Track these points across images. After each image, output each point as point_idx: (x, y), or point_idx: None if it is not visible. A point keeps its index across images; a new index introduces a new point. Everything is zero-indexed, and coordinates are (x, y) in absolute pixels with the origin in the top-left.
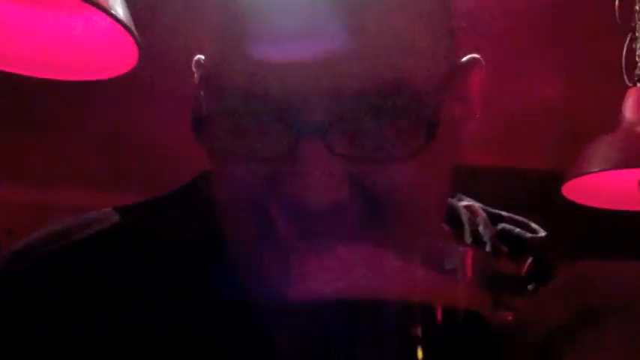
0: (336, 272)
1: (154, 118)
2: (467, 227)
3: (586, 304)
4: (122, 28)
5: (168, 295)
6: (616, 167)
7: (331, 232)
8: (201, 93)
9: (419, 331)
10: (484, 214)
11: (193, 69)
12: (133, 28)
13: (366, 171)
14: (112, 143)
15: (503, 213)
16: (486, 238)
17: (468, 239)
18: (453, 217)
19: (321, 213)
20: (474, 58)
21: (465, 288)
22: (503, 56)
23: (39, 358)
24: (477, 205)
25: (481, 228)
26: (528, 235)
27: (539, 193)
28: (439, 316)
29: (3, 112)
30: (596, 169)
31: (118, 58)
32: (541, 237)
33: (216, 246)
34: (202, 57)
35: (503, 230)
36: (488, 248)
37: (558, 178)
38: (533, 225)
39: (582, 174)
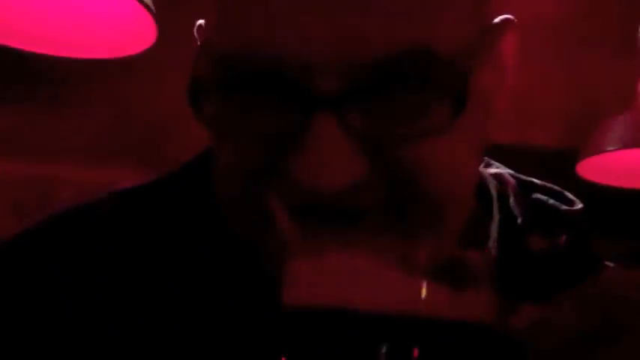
0: (333, 280)
1: (159, 93)
2: (495, 203)
3: (608, 314)
4: (141, 5)
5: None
6: (632, 146)
7: (344, 222)
8: (200, 61)
9: (417, 351)
10: (514, 183)
11: (195, 35)
12: (152, 6)
13: (386, 149)
14: (117, 119)
15: (536, 181)
16: (517, 212)
17: (497, 216)
18: (480, 188)
19: (334, 197)
20: (506, 19)
21: (475, 300)
22: None
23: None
24: (506, 172)
25: (512, 200)
26: (564, 207)
27: (552, 171)
28: (444, 333)
29: (10, 88)
30: (611, 148)
31: (135, 35)
32: (578, 209)
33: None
34: (204, 22)
35: (535, 202)
36: (519, 222)
37: (572, 156)
38: (569, 195)
39: (597, 152)
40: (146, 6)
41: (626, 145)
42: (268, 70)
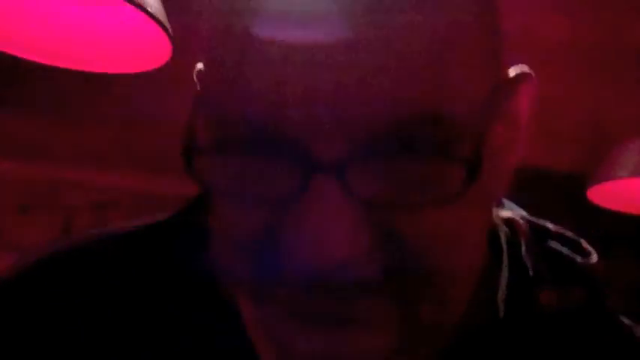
0: None
1: (166, 101)
2: (505, 253)
3: None
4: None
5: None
6: None
7: (340, 300)
8: (195, 116)
9: None
10: (527, 230)
11: (195, 79)
12: (167, 25)
13: (392, 218)
14: (125, 124)
15: (551, 226)
16: (529, 262)
17: (506, 268)
18: (491, 235)
19: (331, 271)
20: (523, 73)
21: None
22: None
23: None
24: (519, 216)
25: (523, 249)
26: (579, 259)
27: (567, 195)
28: None
29: (17, 90)
30: (623, 175)
31: (151, 51)
32: (595, 262)
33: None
34: (202, 65)
35: (549, 251)
36: (531, 274)
37: (582, 180)
38: (585, 245)
39: (609, 179)
40: (162, 26)
41: (638, 172)
42: (267, 132)
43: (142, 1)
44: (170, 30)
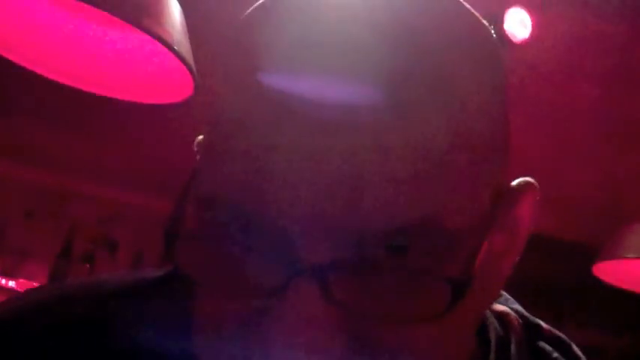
0: None
1: (174, 132)
2: (493, 350)
3: None
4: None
5: None
6: None
7: None
8: (187, 192)
9: None
10: (519, 327)
11: (195, 149)
12: (192, 64)
13: (370, 327)
14: (136, 144)
15: (543, 325)
16: None
17: None
18: (481, 330)
19: None
20: (526, 183)
21: None
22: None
23: None
24: (513, 312)
25: (513, 348)
26: None
27: (577, 265)
28: None
29: (27, 100)
30: (630, 256)
31: (174, 85)
32: None
33: None
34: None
35: (539, 352)
36: None
37: (588, 254)
38: (576, 349)
39: (615, 257)
40: (188, 65)
41: None
42: (253, 225)
43: (170, 39)
44: (194, 69)
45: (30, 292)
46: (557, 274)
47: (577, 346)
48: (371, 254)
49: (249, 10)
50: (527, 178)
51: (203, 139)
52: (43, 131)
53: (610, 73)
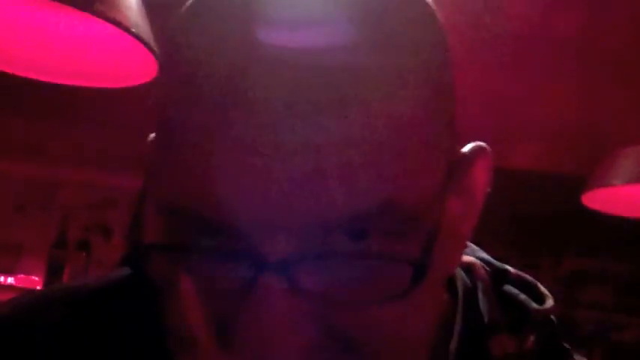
0: None
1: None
2: (460, 302)
3: None
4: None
5: None
6: (638, 181)
7: None
8: (144, 207)
9: None
10: (486, 276)
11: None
12: (153, 43)
13: (338, 313)
14: (122, 125)
15: (511, 269)
16: (484, 309)
17: (460, 319)
18: (450, 283)
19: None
20: (478, 148)
21: None
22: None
23: None
24: (479, 262)
25: (480, 295)
26: (534, 305)
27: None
28: None
29: (16, 92)
30: (618, 182)
31: (138, 66)
32: (548, 308)
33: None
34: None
35: (505, 295)
36: (486, 321)
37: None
38: (542, 289)
39: (604, 185)
40: (147, 45)
41: (632, 180)
42: (211, 228)
43: (127, 22)
44: (155, 48)
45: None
46: (549, 206)
47: (577, 272)
48: (334, 243)
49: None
50: (479, 143)
51: (154, 138)
52: (19, 123)
53: (585, 2)
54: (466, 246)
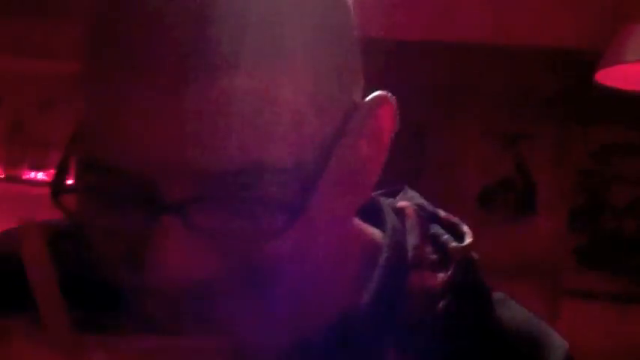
0: None
1: None
2: (386, 242)
3: None
4: None
5: None
6: None
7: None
8: (68, 156)
9: None
10: (416, 217)
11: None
12: None
13: (235, 246)
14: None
15: (441, 213)
16: (410, 246)
17: (384, 254)
18: (381, 223)
19: (187, 291)
20: (380, 97)
21: None
22: None
23: None
24: (412, 206)
25: (407, 237)
26: (453, 243)
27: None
28: None
29: None
30: (631, 59)
31: None
32: (463, 246)
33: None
34: None
35: (431, 236)
36: (410, 258)
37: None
38: (464, 228)
39: (617, 63)
40: None
41: None
42: (117, 176)
43: None
44: None
45: None
46: (562, 81)
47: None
48: (224, 190)
49: None
50: (381, 92)
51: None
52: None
53: None
54: (375, 181)
